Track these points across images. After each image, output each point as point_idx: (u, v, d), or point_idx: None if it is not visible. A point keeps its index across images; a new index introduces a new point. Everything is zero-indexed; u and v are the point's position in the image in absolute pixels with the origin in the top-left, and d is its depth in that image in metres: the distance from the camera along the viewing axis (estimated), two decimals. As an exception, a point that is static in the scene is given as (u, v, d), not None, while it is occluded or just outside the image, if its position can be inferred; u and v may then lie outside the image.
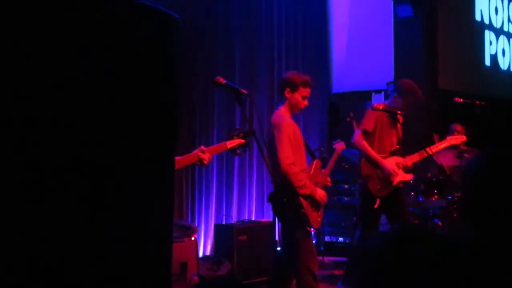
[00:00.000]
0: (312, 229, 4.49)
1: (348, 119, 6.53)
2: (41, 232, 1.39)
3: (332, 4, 8.50)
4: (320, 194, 4.52)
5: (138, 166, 1.58)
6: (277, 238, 7.02)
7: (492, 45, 9.16)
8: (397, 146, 5.30)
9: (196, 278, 5.14)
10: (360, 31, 8.30)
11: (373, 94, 7.92)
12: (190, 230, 5.36)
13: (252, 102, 5.98)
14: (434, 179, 5.93)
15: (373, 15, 8.16)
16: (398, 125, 5.39)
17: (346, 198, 7.36)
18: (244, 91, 3.65)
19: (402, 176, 5.22)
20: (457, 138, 5.64)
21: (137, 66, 1.52)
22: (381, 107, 5.19)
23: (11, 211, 1.34)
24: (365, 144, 5.23)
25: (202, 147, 3.67)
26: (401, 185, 5.25)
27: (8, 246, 1.34)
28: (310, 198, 4.43)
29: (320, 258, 7.05)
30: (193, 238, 5.30)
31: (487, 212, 1.76)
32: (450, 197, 5.80)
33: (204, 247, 6.39)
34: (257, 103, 7.11)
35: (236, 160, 6.79)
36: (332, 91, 8.47)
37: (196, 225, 6.15)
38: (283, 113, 4.53)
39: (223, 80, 3.65)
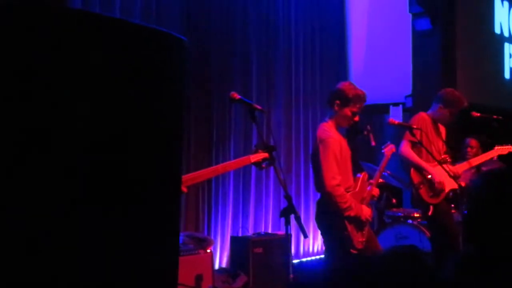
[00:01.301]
0: (355, 250, 4.24)
1: (365, 132, 6.52)
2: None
3: (350, 17, 8.53)
4: (366, 213, 4.31)
5: (146, 184, 1.63)
6: (293, 251, 7.04)
7: (512, 58, 9.11)
8: (445, 155, 5.33)
9: (211, 290, 5.18)
10: (378, 44, 8.31)
11: (391, 107, 7.91)
12: (206, 242, 5.40)
13: (267, 118, 5.98)
14: (451, 194, 5.90)
15: (392, 28, 8.17)
16: (442, 133, 5.43)
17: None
18: (258, 107, 3.64)
19: (453, 185, 5.22)
20: (505, 149, 5.70)
21: (145, 87, 1.57)
22: (396, 122, 5.21)
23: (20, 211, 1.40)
24: (412, 153, 5.24)
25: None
26: (451, 194, 5.30)
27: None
28: (356, 219, 4.24)
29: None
30: (208, 251, 5.34)
31: (487, 231, 1.78)
32: (466, 212, 5.77)
33: (220, 259, 6.42)
34: (274, 118, 7.15)
35: (253, 171, 6.82)
36: (349, 103, 8.46)
37: (212, 237, 6.19)
38: (329, 128, 4.31)
39: (237, 96, 3.66)
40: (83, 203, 1.44)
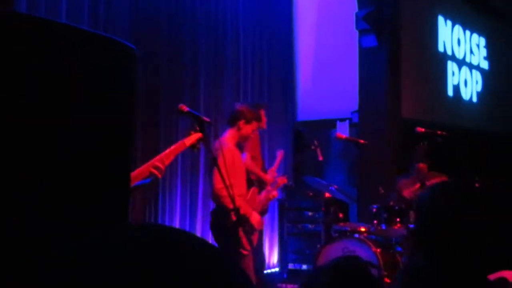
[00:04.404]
0: (245, 251, 4.63)
1: (313, 147, 6.55)
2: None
3: (298, 34, 8.62)
4: (256, 217, 4.82)
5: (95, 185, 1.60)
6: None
7: (455, 75, 9.36)
8: None
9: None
10: (325, 60, 8.42)
11: (337, 122, 8.00)
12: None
13: (214, 130, 6.01)
14: (396, 208, 5.98)
15: (339, 45, 8.28)
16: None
17: (310, 226, 7.37)
18: (207, 119, 3.65)
19: None
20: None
21: (90, 92, 1.53)
22: (343, 136, 5.29)
23: None
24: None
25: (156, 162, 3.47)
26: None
27: None
28: (244, 220, 4.63)
29: (284, 285, 7.03)
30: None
31: (437, 242, 1.79)
32: (411, 226, 5.85)
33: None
34: (222, 130, 7.13)
35: (200, 184, 6.78)
36: (297, 118, 8.54)
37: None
38: (227, 140, 4.81)
39: (186, 108, 3.66)
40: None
